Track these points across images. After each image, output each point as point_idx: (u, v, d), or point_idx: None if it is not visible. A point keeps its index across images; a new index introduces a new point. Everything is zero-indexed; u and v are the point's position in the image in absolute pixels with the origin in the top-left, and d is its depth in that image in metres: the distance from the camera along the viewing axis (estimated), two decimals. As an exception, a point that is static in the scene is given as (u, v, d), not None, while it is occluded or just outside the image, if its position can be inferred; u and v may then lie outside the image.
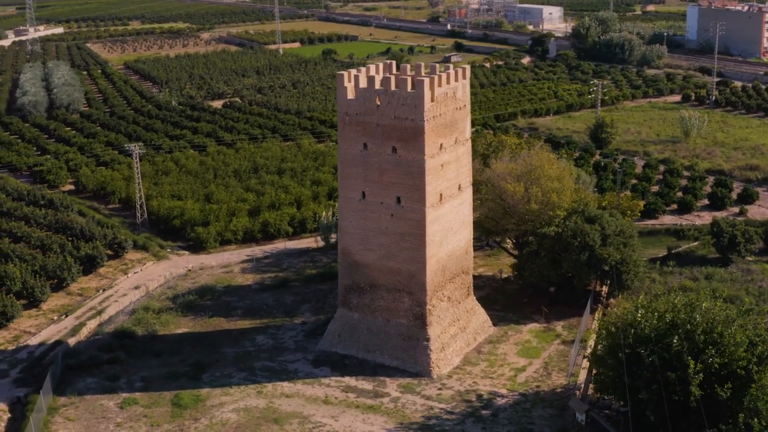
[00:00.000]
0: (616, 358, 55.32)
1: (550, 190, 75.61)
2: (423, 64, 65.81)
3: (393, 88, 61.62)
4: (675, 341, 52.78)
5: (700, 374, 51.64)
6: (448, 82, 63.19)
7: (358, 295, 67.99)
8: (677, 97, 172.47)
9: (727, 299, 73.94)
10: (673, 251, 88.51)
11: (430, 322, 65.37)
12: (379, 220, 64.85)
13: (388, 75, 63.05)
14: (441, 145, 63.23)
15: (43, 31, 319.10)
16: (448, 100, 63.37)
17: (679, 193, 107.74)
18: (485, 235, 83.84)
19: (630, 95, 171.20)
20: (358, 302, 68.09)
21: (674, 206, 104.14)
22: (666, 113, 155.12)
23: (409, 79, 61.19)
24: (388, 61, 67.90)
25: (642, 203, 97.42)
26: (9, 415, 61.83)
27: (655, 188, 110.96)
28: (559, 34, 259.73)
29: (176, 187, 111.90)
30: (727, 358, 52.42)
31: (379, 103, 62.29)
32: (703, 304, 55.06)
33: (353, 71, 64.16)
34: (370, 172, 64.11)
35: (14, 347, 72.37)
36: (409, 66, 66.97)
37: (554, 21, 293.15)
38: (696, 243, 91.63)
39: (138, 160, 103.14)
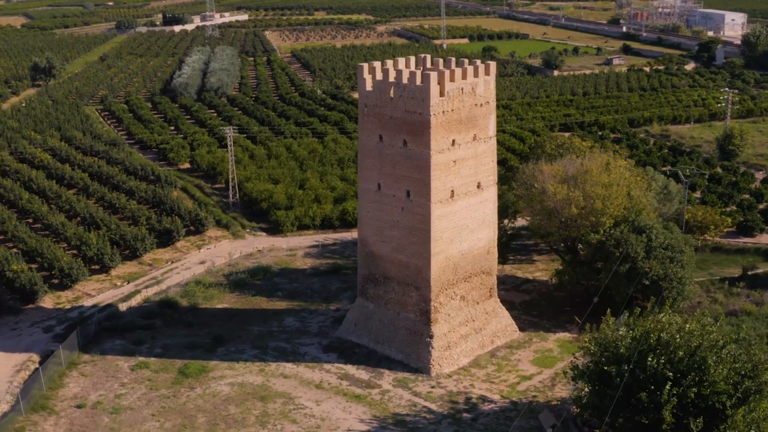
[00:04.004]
0: (585, 376, 53.01)
1: (594, 195, 72.64)
2: (453, 59, 64.98)
3: (404, 81, 61.48)
4: (650, 359, 49.84)
5: (674, 399, 48.45)
6: (464, 78, 62.20)
7: (373, 286, 68.35)
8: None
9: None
10: (748, 272, 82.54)
11: (436, 319, 64.70)
12: (391, 213, 64.90)
13: (401, 68, 62.95)
14: (453, 140, 62.33)
15: (228, 17, 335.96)
16: (465, 95, 62.35)
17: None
18: (536, 237, 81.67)
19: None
20: (374, 293, 68.45)
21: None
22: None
23: (419, 73, 60.75)
24: (423, 56, 67.59)
25: (729, 219, 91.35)
26: (37, 366, 66.74)
27: (764, 205, 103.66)
28: (738, 42, 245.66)
29: (277, 171, 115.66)
30: (708, 389, 48.78)
31: (392, 95, 62.33)
32: (690, 326, 51.59)
33: (376, 63, 64.40)
34: (384, 164, 64.26)
35: (70, 306, 77.87)
36: (441, 60, 66.28)
37: (736, 28, 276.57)
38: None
39: (232, 142, 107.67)
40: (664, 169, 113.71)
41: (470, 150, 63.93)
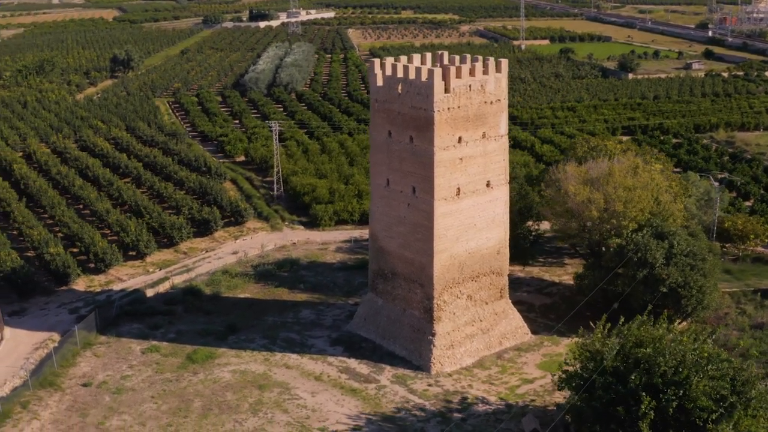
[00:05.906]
0: (571, 386, 52.15)
1: (615, 198, 71.15)
2: (469, 56, 64.54)
3: (411, 77, 61.44)
4: (633, 377, 48.61)
5: (651, 413, 47.08)
6: (472, 75, 61.74)
7: (383, 281, 68.50)
8: None
9: None
10: (784, 284, 79.60)
11: (439, 318, 64.42)
12: (398, 209, 64.96)
13: (409, 64, 62.89)
14: (460, 138, 61.92)
15: (315, 14, 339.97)
16: (473, 92, 61.89)
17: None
18: (560, 240, 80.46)
19: None
20: (383, 288, 68.59)
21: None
22: None
23: (424, 69, 60.60)
24: (440, 53, 67.30)
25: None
26: (55, 345, 69.17)
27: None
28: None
29: (326, 166, 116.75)
30: (690, 403, 47.26)
31: (400, 91, 62.40)
32: (686, 341, 50.13)
33: (387, 59, 64.51)
34: (393, 159, 64.37)
35: (100, 290, 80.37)
36: (457, 58, 65.92)
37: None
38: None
39: (277, 137, 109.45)
40: (721, 175, 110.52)
41: (479, 148, 63.38)
